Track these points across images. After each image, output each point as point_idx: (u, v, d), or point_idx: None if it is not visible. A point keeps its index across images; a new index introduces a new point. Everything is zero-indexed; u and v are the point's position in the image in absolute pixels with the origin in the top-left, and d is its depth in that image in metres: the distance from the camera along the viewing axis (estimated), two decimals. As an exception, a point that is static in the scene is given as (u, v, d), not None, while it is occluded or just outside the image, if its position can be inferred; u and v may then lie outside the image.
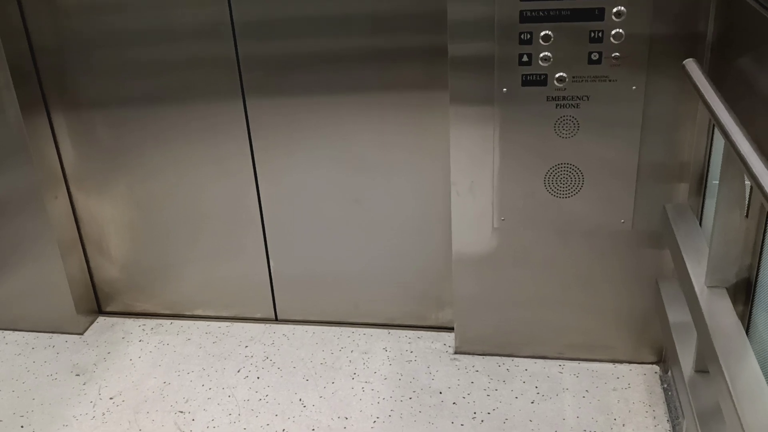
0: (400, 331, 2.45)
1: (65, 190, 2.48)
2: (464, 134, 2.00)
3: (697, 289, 1.57)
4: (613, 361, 2.22)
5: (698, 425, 1.55)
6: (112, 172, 2.43)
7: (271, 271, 2.50)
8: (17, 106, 2.23)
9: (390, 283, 2.42)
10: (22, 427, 2.14)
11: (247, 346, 2.44)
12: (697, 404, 1.59)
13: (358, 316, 2.50)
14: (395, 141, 2.20)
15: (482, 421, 2.04)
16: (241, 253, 2.48)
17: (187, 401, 2.20)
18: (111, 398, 2.23)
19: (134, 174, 2.42)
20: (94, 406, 2.20)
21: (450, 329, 2.39)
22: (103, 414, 2.17)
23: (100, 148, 2.39)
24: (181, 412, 2.16)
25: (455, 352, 2.32)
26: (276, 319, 2.57)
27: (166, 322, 2.61)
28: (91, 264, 2.62)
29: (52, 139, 2.40)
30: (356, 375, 2.26)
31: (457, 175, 2.06)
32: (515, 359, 2.27)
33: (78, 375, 2.35)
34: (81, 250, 2.58)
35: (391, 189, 2.28)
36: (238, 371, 2.32)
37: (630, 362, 2.21)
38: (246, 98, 2.23)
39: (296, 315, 2.55)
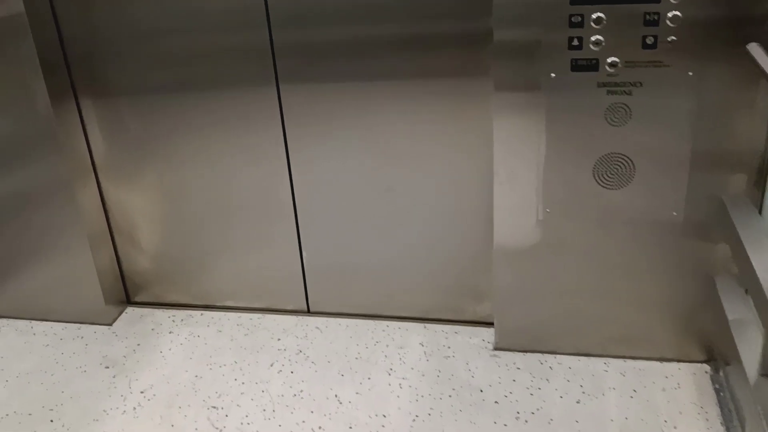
0: (437, 325, 2.38)
1: (95, 180, 2.43)
2: (508, 122, 1.92)
3: (764, 284, 1.49)
4: (660, 359, 2.14)
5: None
6: (142, 161, 2.38)
7: (304, 261, 2.43)
8: (46, 95, 2.18)
9: (426, 274, 2.35)
10: (51, 421, 2.10)
11: (279, 339, 2.39)
12: (765, 408, 1.51)
13: (392, 309, 2.43)
14: (431, 129, 2.13)
15: (526, 421, 1.97)
16: (273, 243, 2.42)
17: (219, 396, 2.15)
18: (142, 392, 2.19)
19: (164, 163, 2.36)
20: (124, 400, 2.16)
21: (488, 324, 2.32)
22: (134, 408, 2.13)
23: (129, 137, 2.34)
24: (214, 407, 2.11)
25: (494, 348, 2.25)
26: (308, 311, 2.51)
27: (197, 313, 2.56)
28: (120, 254, 2.57)
29: (81, 128, 2.35)
30: (393, 371, 2.20)
31: (500, 165, 1.98)
32: (558, 356, 2.19)
33: (108, 367, 2.31)
34: (110, 240, 2.54)
35: (427, 178, 2.20)
36: (272, 365, 2.26)
37: (678, 360, 2.13)
38: (280, 86, 2.16)
39: (329, 307, 2.49)
